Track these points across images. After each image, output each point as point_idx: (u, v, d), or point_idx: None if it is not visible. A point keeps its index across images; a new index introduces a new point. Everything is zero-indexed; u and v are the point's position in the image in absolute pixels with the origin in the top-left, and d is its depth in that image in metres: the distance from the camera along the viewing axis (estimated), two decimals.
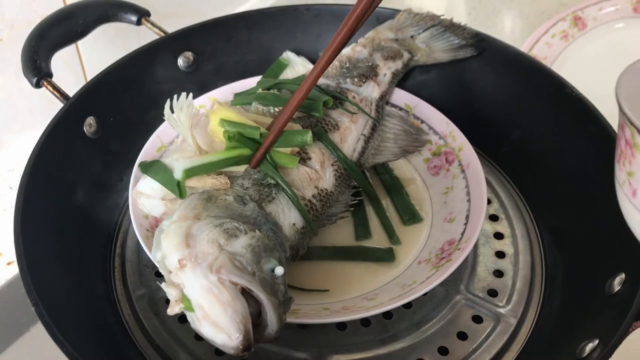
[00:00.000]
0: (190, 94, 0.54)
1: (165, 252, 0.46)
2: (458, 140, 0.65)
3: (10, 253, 0.70)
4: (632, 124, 0.39)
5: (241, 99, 0.64)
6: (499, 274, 0.59)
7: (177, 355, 0.54)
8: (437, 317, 0.56)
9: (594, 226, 0.58)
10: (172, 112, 0.54)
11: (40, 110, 0.79)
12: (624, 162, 0.43)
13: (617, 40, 0.95)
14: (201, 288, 0.43)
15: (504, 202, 0.66)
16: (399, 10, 0.74)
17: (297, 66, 0.72)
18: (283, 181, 0.55)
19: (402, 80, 0.72)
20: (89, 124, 0.64)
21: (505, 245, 0.62)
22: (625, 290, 0.50)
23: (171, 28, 0.73)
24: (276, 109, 0.62)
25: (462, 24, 0.73)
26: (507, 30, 1.09)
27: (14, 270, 0.70)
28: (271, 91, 0.65)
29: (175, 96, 0.55)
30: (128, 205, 0.58)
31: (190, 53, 0.73)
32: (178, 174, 0.53)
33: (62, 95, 0.64)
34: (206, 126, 0.58)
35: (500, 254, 0.61)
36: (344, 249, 0.60)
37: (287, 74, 0.72)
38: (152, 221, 0.57)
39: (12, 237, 0.52)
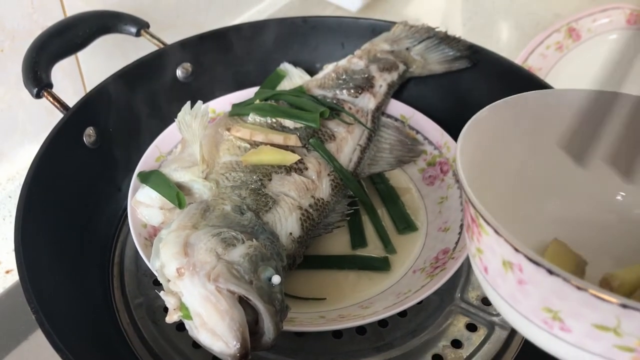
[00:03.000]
0: (206, 104, 0.55)
1: (164, 261, 0.47)
2: (453, 150, 0.66)
3: (9, 261, 0.71)
4: (475, 208, 0.39)
5: (239, 110, 0.65)
6: None
7: None
8: (432, 325, 0.56)
9: None
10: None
11: (40, 120, 0.79)
12: (472, 236, 0.42)
13: (611, 51, 0.95)
14: (199, 296, 0.44)
15: None
16: (394, 23, 0.75)
17: (294, 77, 0.73)
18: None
19: (398, 91, 0.72)
20: (89, 134, 0.64)
21: None
22: None
23: (170, 39, 0.74)
24: (273, 120, 0.62)
25: (457, 36, 0.74)
26: (502, 41, 1.10)
27: (12, 278, 0.70)
28: (269, 102, 0.66)
29: (189, 102, 0.56)
30: (127, 215, 0.59)
31: (188, 64, 0.73)
32: None
33: (62, 105, 0.65)
34: (209, 135, 0.59)
35: None
36: (340, 258, 0.60)
37: (285, 85, 0.73)
38: (150, 230, 0.58)
39: (11, 246, 0.52)
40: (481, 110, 0.46)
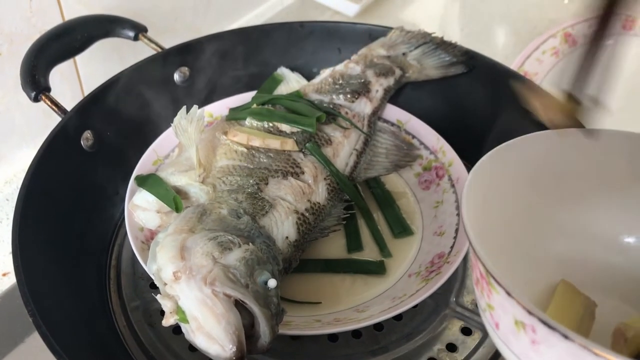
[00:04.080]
0: (203, 108, 0.55)
1: (161, 265, 0.47)
2: (448, 155, 0.66)
3: (6, 264, 0.71)
4: (485, 267, 0.38)
5: (236, 114, 0.65)
6: None
7: None
8: (427, 329, 0.57)
9: None
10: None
11: (38, 123, 0.79)
12: (482, 292, 0.41)
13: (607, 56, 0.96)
14: (195, 300, 0.44)
15: None
16: (391, 28, 0.76)
17: (291, 82, 0.74)
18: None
19: (394, 96, 0.73)
20: (86, 138, 0.65)
21: None
22: None
23: (168, 43, 0.74)
24: (270, 124, 0.63)
25: (453, 41, 0.74)
26: (499, 46, 1.10)
27: (9, 281, 0.70)
28: (265, 106, 0.66)
29: (185, 107, 0.56)
30: (124, 218, 0.59)
31: (186, 68, 0.74)
32: None
33: (59, 109, 0.65)
34: (206, 140, 0.59)
35: None
36: (335, 262, 0.60)
37: (282, 90, 0.73)
38: (147, 234, 0.58)
39: (8, 249, 0.53)
40: (484, 156, 0.46)
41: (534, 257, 0.49)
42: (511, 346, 0.39)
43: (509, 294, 0.36)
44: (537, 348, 0.36)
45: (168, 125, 0.61)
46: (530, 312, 0.35)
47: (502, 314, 0.39)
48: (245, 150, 0.60)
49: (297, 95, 0.69)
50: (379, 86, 0.70)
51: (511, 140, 0.48)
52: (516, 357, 0.39)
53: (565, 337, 0.34)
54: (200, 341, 0.44)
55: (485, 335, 0.56)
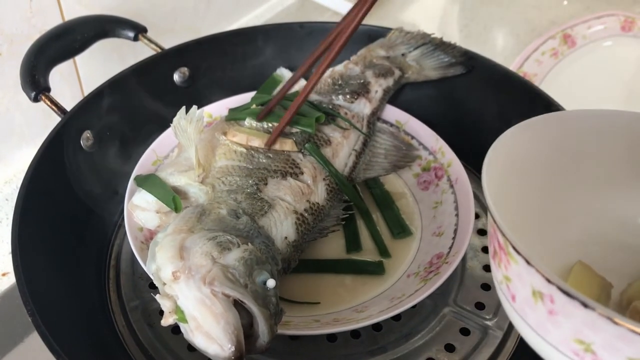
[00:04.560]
0: (202, 108, 0.55)
1: (160, 264, 0.47)
2: (447, 156, 0.66)
3: (5, 264, 0.71)
4: (504, 236, 0.38)
5: (235, 114, 0.65)
6: (486, 287, 0.60)
7: None
8: (426, 329, 0.57)
9: None
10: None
11: (37, 123, 0.80)
12: (499, 264, 0.41)
13: (606, 58, 0.96)
14: (194, 300, 0.44)
15: None
16: (390, 29, 0.76)
17: None
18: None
19: (393, 96, 0.73)
20: (86, 138, 0.65)
21: None
22: None
23: (167, 44, 0.74)
24: (269, 125, 0.63)
25: (452, 42, 0.74)
26: (498, 47, 1.11)
27: (8, 281, 0.70)
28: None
29: (184, 107, 0.56)
30: (123, 218, 0.59)
31: (185, 68, 0.74)
32: None
33: (59, 109, 0.65)
34: (206, 140, 0.59)
35: (488, 268, 0.62)
36: (334, 262, 0.61)
37: None
38: (146, 234, 0.58)
39: (8, 249, 0.53)
40: (504, 132, 0.46)
41: (550, 238, 0.49)
42: (527, 318, 0.39)
43: (528, 262, 0.36)
44: (554, 319, 0.36)
45: (168, 126, 0.61)
46: (549, 281, 0.35)
47: (519, 285, 0.38)
48: (244, 150, 0.60)
49: (297, 96, 0.69)
50: (378, 87, 0.71)
51: (530, 119, 0.47)
52: (532, 330, 0.39)
53: (585, 305, 0.33)
54: (199, 341, 0.44)
55: (484, 336, 0.57)
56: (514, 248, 0.37)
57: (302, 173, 0.60)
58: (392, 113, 0.72)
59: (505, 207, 0.40)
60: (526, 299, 0.38)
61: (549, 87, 0.79)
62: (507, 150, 0.45)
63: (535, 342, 0.39)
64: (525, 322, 0.39)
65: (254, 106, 0.66)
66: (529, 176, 0.48)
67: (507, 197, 0.43)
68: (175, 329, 0.56)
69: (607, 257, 0.48)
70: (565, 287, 0.34)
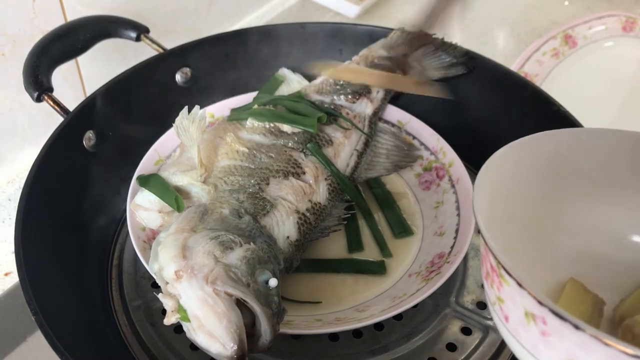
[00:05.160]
0: (204, 108, 0.55)
1: (162, 264, 0.47)
2: (448, 155, 0.66)
3: (8, 264, 0.71)
4: (496, 259, 0.38)
5: (237, 115, 0.65)
6: None
7: None
8: (427, 328, 0.57)
9: None
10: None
11: (40, 123, 0.80)
12: (492, 284, 0.41)
13: (607, 58, 0.96)
14: (197, 299, 0.44)
15: None
16: (392, 29, 0.76)
17: (292, 83, 0.74)
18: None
19: (395, 97, 0.73)
20: (88, 138, 0.65)
21: None
22: None
23: (169, 44, 0.74)
24: (271, 124, 0.63)
25: (453, 42, 0.74)
26: (499, 47, 1.11)
27: (11, 281, 0.70)
28: (267, 107, 0.66)
29: (186, 107, 0.56)
30: (126, 218, 0.59)
31: (187, 69, 0.74)
32: None
33: (62, 109, 0.65)
34: (208, 140, 0.59)
35: None
36: (336, 262, 0.61)
37: (283, 90, 0.73)
38: (149, 233, 0.58)
39: (11, 248, 0.53)
40: (495, 152, 0.46)
41: (542, 255, 0.49)
42: (520, 339, 0.39)
43: (519, 284, 0.36)
44: (547, 340, 0.36)
45: (170, 126, 0.61)
46: (541, 303, 0.35)
47: (512, 306, 0.39)
48: (246, 150, 0.60)
49: (298, 96, 0.69)
50: (379, 87, 0.71)
51: (521, 139, 0.48)
52: (525, 351, 0.39)
53: (577, 327, 0.34)
54: (202, 340, 0.44)
55: (485, 335, 0.57)
56: (506, 270, 0.37)
57: (304, 173, 0.60)
58: (394, 113, 0.72)
59: (496, 226, 0.41)
60: (519, 320, 0.38)
61: (550, 88, 0.79)
62: (498, 170, 0.46)
63: None
64: (518, 342, 0.39)
65: (255, 106, 0.66)
66: (520, 195, 0.48)
67: (498, 215, 0.44)
68: (177, 328, 0.56)
69: (599, 273, 0.48)
70: (557, 309, 0.34)
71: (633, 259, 0.50)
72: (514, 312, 0.39)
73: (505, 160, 0.47)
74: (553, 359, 0.37)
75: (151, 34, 0.75)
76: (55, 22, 0.75)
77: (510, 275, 0.37)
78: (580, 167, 0.49)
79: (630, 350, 0.32)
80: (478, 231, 0.64)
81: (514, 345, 0.40)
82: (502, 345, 0.56)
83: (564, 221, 0.50)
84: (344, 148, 0.65)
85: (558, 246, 0.50)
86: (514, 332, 0.40)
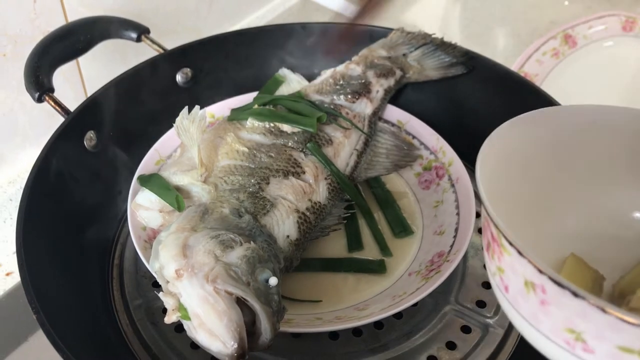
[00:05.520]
0: (204, 109, 0.55)
1: (163, 263, 0.47)
2: (448, 155, 0.66)
3: (10, 264, 0.72)
4: (497, 227, 0.38)
5: (237, 114, 0.65)
6: (487, 285, 0.61)
7: None
8: (427, 327, 0.57)
9: None
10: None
11: (41, 124, 0.80)
12: (492, 255, 0.41)
13: (607, 58, 0.97)
14: (197, 297, 0.44)
15: None
16: (392, 29, 0.76)
17: (292, 83, 0.74)
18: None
19: (395, 96, 0.73)
20: (89, 138, 0.65)
21: None
22: None
23: (170, 45, 0.74)
24: (272, 124, 0.63)
25: (453, 42, 0.75)
26: (499, 47, 1.11)
27: (12, 280, 0.70)
28: (267, 107, 0.66)
29: (186, 107, 0.57)
30: (126, 217, 0.60)
31: (188, 69, 0.74)
32: None
33: (63, 109, 0.65)
34: (208, 140, 0.60)
35: None
36: (336, 261, 0.61)
37: (283, 90, 0.73)
38: (150, 233, 0.59)
39: (12, 248, 0.53)
40: (500, 126, 0.46)
41: (544, 230, 0.49)
42: (520, 309, 0.39)
43: (520, 253, 0.36)
44: (546, 309, 0.36)
45: (170, 126, 0.61)
46: (541, 271, 0.35)
47: (512, 276, 0.39)
48: (246, 150, 0.60)
49: (298, 96, 0.69)
50: (379, 87, 0.71)
51: (527, 113, 0.48)
52: (525, 321, 0.39)
53: (576, 295, 0.33)
54: (202, 338, 0.44)
55: (485, 333, 0.57)
56: (507, 239, 0.38)
57: (303, 172, 0.60)
58: (394, 113, 0.72)
59: (498, 200, 0.41)
60: (519, 289, 0.38)
61: (550, 87, 0.79)
62: (501, 143, 0.46)
63: (527, 332, 0.40)
64: (518, 312, 0.40)
65: (256, 106, 0.67)
66: (523, 169, 0.48)
67: (500, 190, 0.44)
68: (178, 327, 0.56)
69: (600, 250, 0.48)
70: (557, 277, 0.35)
71: (634, 236, 0.50)
72: (514, 282, 0.39)
73: (510, 134, 0.46)
74: (552, 327, 0.37)
75: (152, 35, 0.75)
76: (56, 22, 0.75)
77: (511, 244, 0.37)
78: (584, 143, 0.49)
79: (631, 318, 0.32)
80: (478, 230, 0.65)
81: (513, 316, 0.41)
82: (502, 343, 0.56)
83: (566, 197, 0.50)
84: (343, 148, 0.65)
85: (560, 222, 0.50)
86: (513, 302, 0.40)
